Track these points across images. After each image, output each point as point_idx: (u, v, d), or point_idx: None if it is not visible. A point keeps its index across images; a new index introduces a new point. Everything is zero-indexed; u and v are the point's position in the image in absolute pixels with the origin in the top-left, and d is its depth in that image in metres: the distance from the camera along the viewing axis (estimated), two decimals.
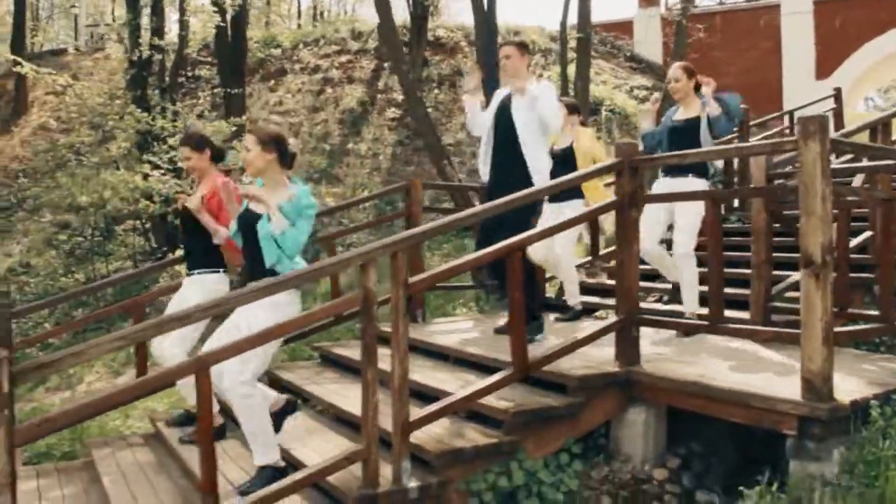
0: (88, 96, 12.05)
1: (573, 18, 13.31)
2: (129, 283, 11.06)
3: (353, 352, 5.74)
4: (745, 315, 5.26)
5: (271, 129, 4.06)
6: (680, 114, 5.53)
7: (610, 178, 5.19)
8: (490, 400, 4.00)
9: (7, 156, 18.61)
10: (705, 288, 5.37)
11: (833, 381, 3.47)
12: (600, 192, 6.02)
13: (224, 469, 4.26)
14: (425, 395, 4.38)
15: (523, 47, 5.33)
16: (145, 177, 10.51)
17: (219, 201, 4.68)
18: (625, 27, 19.32)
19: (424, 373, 4.79)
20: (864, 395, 3.59)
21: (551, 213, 5.89)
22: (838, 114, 10.89)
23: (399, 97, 17.26)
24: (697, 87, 5.44)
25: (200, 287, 4.87)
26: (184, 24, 13.00)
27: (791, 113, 10.39)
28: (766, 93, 15.88)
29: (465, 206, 10.40)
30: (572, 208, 5.75)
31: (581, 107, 6.62)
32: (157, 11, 12.61)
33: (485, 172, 5.49)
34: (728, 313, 5.09)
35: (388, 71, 18.39)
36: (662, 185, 5.50)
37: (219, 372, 3.43)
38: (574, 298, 6.18)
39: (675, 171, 5.36)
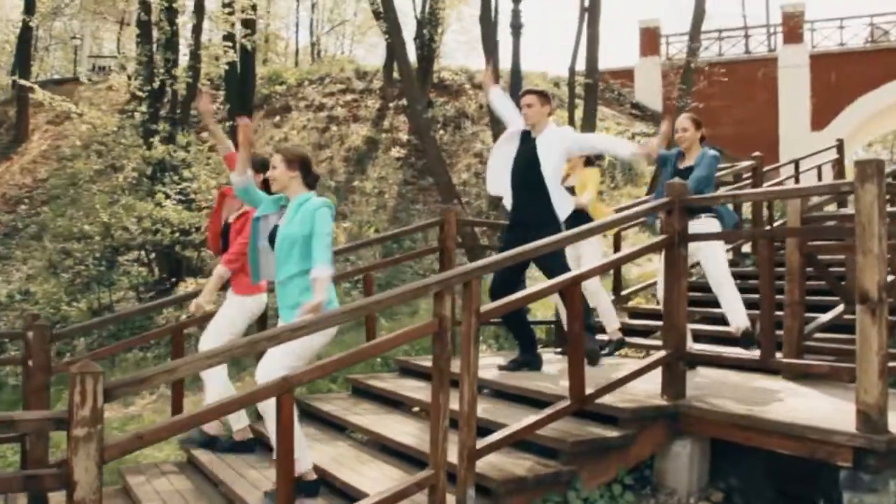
0: (101, 124, 12.13)
1: (579, 65, 13.70)
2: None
3: (386, 384, 5.80)
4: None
5: (297, 150, 4.29)
6: (684, 162, 5.65)
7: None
8: (546, 430, 4.06)
9: (7, 182, 18.60)
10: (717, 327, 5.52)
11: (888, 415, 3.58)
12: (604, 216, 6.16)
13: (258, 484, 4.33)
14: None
15: (544, 96, 5.51)
16: (158, 205, 10.58)
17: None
18: (626, 75, 19.80)
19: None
20: None
21: (569, 247, 5.96)
22: (840, 164, 11.20)
23: (404, 137, 17.51)
24: (703, 139, 5.66)
25: (240, 306, 5.02)
26: (196, 57, 13.18)
27: (796, 163, 10.63)
28: (763, 143, 16.23)
29: (473, 243, 10.56)
30: (588, 241, 5.87)
31: None
32: (171, 45, 12.77)
33: (494, 189, 5.72)
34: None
35: (392, 111, 18.68)
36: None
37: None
38: (613, 324, 6.22)
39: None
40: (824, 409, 4.21)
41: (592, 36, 13.81)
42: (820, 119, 17.14)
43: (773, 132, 17.41)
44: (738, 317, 5.44)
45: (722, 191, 6.38)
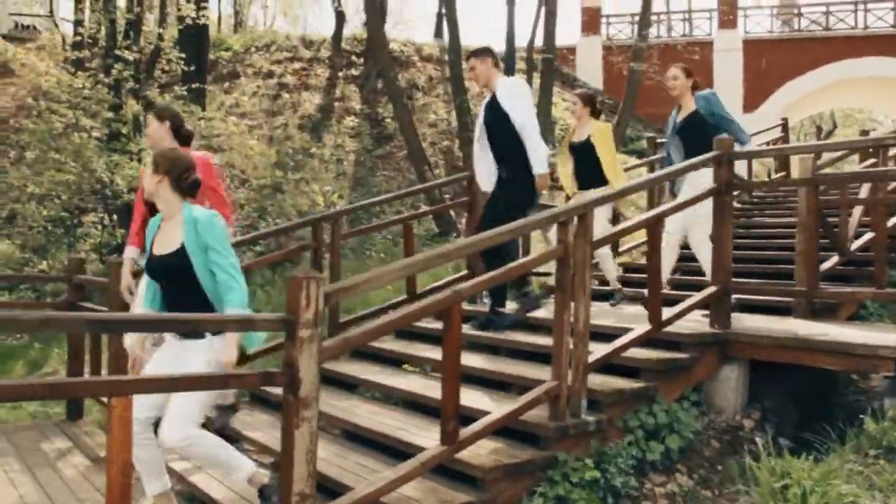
0: (65, 81, 11.81)
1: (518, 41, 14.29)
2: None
3: (389, 345, 5.89)
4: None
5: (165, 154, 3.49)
6: (680, 115, 6.04)
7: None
8: (625, 354, 4.57)
9: None
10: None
11: None
12: (623, 179, 6.64)
13: None
14: (536, 353, 4.97)
15: (484, 52, 5.56)
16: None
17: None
18: (569, 52, 20.53)
19: (528, 337, 5.29)
20: None
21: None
22: (785, 141, 12.21)
23: (357, 107, 17.66)
24: (695, 87, 5.98)
25: None
26: (164, 16, 12.97)
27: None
28: None
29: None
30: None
31: (594, 98, 6.70)
32: (139, 2, 12.52)
33: (478, 170, 5.80)
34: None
35: (342, 81, 18.75)
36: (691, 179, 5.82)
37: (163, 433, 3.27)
38: (614, 275, 6.80)
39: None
40: (850, 335, 4.87)
41: (551, 12, 14.41)
42: (751, 101, 18.38)
43: None
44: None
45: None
